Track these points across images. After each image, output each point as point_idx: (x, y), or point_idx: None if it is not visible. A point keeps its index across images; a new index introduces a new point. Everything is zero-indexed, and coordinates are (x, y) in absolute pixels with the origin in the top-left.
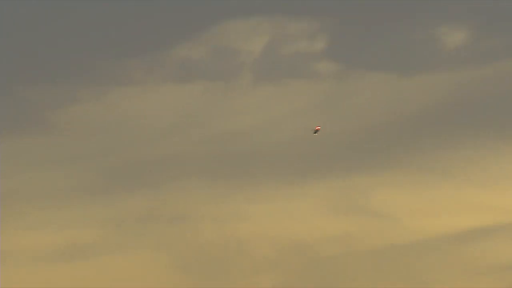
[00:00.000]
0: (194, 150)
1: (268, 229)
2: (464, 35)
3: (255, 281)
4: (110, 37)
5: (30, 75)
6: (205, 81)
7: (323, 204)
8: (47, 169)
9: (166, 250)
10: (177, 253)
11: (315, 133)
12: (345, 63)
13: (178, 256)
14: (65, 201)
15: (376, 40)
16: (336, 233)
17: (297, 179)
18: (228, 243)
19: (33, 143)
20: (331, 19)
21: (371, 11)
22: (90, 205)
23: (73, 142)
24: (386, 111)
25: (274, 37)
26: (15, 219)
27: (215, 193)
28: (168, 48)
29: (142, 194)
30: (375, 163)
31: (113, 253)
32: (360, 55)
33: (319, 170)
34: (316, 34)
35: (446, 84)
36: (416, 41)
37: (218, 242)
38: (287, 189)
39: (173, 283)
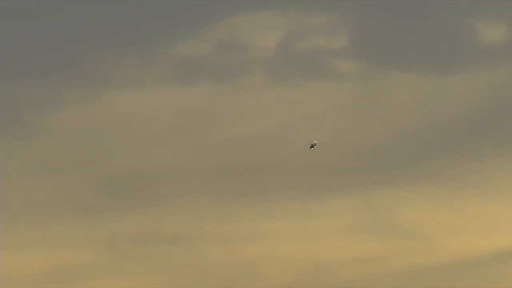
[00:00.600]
0: (198, 160)
1: (283, 250)
2: (504, 30)
3: None
4: (101, 32)
5: (10, 74)
6: (209, 81)
7: (344, 221)
8: (31, 181)
9: (168, 273)
10: (181, 277)
11: (311, 147)
12: (369, 62)
13: (182, 281)
14: (52, 218)
15: (404, 35)
16: (359, 255)
17: (315, 193)
18: (238, 265)
19: (13, 151)
20: (353, 12)
21: (398, 3)
22: (80, 223)
23: (60, 151)
24: (415, 116)
25: (289, 31)
26: None
27: (222, 209)
28: (167, 44)
29: (139, 211)
30: (403, 175)
31: (108, 276)
32: (386, 52)
33: (339, 183)
34: (337, 29)
35: (483, 85)
36: (449, 36)
37: (227, 265)
38: (303, 205)
39: None
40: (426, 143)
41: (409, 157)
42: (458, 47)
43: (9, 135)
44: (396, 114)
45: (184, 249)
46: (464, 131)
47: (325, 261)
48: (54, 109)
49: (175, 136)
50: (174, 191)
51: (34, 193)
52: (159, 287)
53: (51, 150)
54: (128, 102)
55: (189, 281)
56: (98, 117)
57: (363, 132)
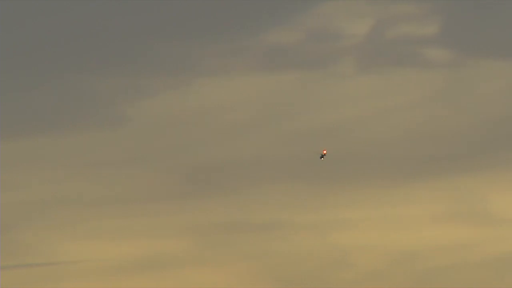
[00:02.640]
0: (286, 149)
1: (373, 238)
2: None
3: None
4: (189, 20)
5: (99, 65)
6: (298, 69)
7: (434, 209)
8: (119, 169)
9: (257, 262)
10: (270, 265)
11: (321, 158)
12: (459, 50)
13: (271, 269)
14: (138, 207)
15: (495, 22)
16: (449, 242)
17: (404, 181)
18: (328, 254)
19: (102, 140)
20: None
21: None
22: (167, 212)
23: (147, 139)
24: (506, 103)
25: (379, 19)
26: (82, 226)
27: (312, 198)
28: (256, 32)
29: (227, 199)
30: (493, 163)
31: (195, 265)
32: (477, 40)
33: (429, 171)
34: (427, 16)
35: None
36: None
37: (316, 253)
38: (393, 193)
39: None
40: None
41: (499, 144)
42: None
43: (98, 124)
44: (486, 102)
45: (273, 238)
46: None
47: (415, 249)
48: (142, 98)
49: (263, 124)
50: (263, 179)
51: (123, 182)
52: (248, 276)
53: (140, 138)
54: (217, 90)
55: (278, 270)
56: (186, 105)
57: (453, 119)
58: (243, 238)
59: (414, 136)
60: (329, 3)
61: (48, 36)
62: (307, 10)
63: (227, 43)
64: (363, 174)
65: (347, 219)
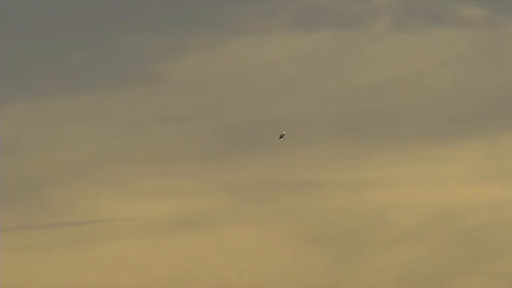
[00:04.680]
0: (322, 107)
1: (409, 196)
2: None
3: (395, 253)
4: None
5: (132, 22)
6: (333, 28)
7: (471, 168)
8: (154, 128)
9: (294, 220)
10: (307, 223)
11: (280, 138)
12: (493, 8)
13: (308, 227)
14: (175, 166)
15: None
16: (486, 200)
17: (441, 139)
18: (365, 212)
19: (137, 99)
20: None
21: None
22: (204, 171)
23: (183, 98)
24: None
25: None
26: (124, 185)
27: (348, 156)
28: None
29: (264, 158)
30: None
31: (233, 223)
32: None
33: (466, 129)
34: None
35: None
36: None
37: (353, 212)
38: (430, 152)
39: (303, 257)
40: None
41: None
42: None
43: (134, 83)
44: None
45: (311, 196)
46: None
47: (451, 207)
48: (179, 57)
49: (299, 83)
50: (300, 138)
51: (160, 141)
52: (284, 234)
53: (176, 97)
54: (252, 49)
55: (315, 228)
56: (222, 64)
57: (488, 78)
58: (282, 197)
59: (450, 94)
60: None
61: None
62: None
63: (264, 2)
64: (400, 133)
65: (385, 178)
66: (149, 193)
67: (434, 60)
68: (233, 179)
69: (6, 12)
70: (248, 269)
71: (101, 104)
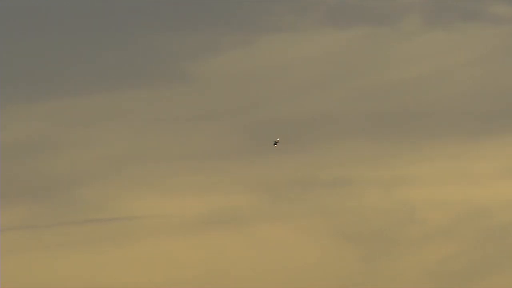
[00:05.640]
0: (353, 105)
1: (441, 193)
2: None
3: (427, 251)
4: None
5: (164, 21)
6: (365, 25)
7: (504, 165)
8: (187, 126)
9: (327, 217)
10: (339, 221)
11: (275, 144)
12: None
13: (341, 225)
14: (208, 164)
15: None
16: None
17: (473, 137)
18: (397, 209)
19: (168, 97)
20: None
21: None
22: (236, 168)
23: (215, 96)
24: None
25: None
26: (156, 182)
27: (381, 154)
28: None
29: (297, 155)
30: None
31: (266, 221)
32: None
33: (499, 126)
34: None
35: None
36: None
37: (385, 209)
38: (462, 149)
39: (335, 255)
40: None
41: None
42: None
43: (166, 82)
44: None
45: (343, 193)
46: None
47: (483, 204)
48: (210, 55)
49: (330, 81)
50: (332, 136)
51: (193, 138)
52: (317, 231)
53: (208, 95)
54: (283, 47)
55: (347, 225)
56: (253, 62)
57: None
58: (314, 194)
59: (482, 91)
60: None
61: None
62: None
63: (295, 0)
64: (432, 130)
65: (417, 175)
66: (182, 190)
67: (466, 57)
68: (266, 176)
69: (38, 12)
70: (280, 267)
71: (133, 102)
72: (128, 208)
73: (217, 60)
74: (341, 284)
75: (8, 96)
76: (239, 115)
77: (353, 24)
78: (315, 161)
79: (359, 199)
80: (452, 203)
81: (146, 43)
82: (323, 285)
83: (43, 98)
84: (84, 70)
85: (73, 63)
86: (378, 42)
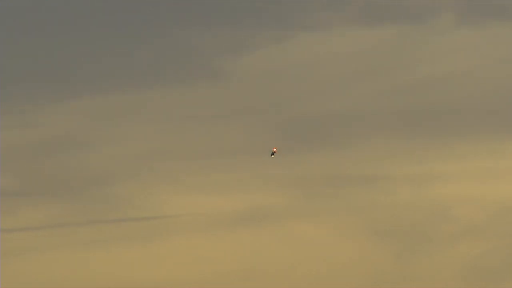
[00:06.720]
0: (385, 102)
1: (474, 190)
2: None
3: (460, 248)
4: None
5: (197, 18)
6: (398, 23)
7: None
8: (219, 123)
9: (359, 214)
10: (372, 218)
11: (272, 155)
12: None
13: (373, 221)
14: (239, 161)
15: None
16: None
17: (506, 133)
18: (430, 206)
19: (201, 94)
20: None
21: None
22: (268, 165)
23: (248, 94)
24: None
25: None
26: (187, 180)
27: (413, 151)
28: None
29: (330, 152)
30: None
31: (298, 218)
32: None
33: None
34: None
35: None
36: None
37: (418, 206)
38: (495, 146)
39: (368, 252)
40: None
41: None
42: None
43: (199, 78)
44: None
45: (375, 190)
46: None
47: None
48: (243, 52)
49: (364, 77)
50: (364, 133)
51: (224, 136)
52: (349, 228)
53: (240, 92)
54: (316, 44)
55: (380, 222)
56: (286, 59)
57: None
58: (346, 191)
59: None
60: None
61: None
62: None
63: None
64: (465, 127)
65: (450, 172)
66: (213, 188)
67: (498, 54)
68: (298, 173)
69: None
70: (313, 264)
71: (165, 99)
72: (160, 206)
73: (250, 58)
74: (374, 281)
75: (40, 94)
76: (271, 112)
77: (386, 22)
78: (348, 158)
79: (391, 196)
80: (485, 200)
81: (179, 40)
82: (356, 282)
83: (76, 95)
84: (118, 67)
85: (106, 61)
86: (411, 39)
